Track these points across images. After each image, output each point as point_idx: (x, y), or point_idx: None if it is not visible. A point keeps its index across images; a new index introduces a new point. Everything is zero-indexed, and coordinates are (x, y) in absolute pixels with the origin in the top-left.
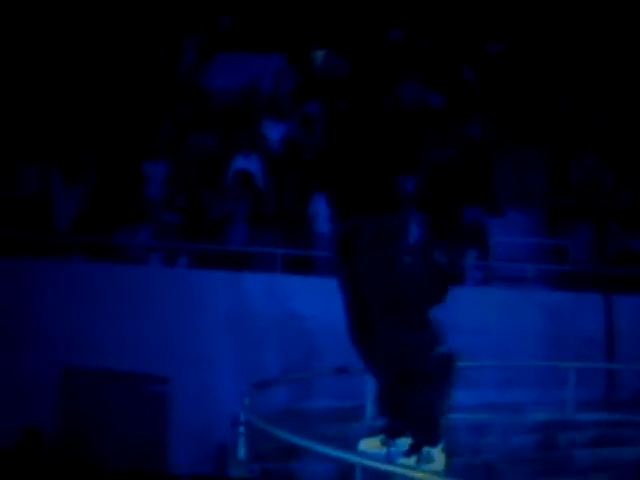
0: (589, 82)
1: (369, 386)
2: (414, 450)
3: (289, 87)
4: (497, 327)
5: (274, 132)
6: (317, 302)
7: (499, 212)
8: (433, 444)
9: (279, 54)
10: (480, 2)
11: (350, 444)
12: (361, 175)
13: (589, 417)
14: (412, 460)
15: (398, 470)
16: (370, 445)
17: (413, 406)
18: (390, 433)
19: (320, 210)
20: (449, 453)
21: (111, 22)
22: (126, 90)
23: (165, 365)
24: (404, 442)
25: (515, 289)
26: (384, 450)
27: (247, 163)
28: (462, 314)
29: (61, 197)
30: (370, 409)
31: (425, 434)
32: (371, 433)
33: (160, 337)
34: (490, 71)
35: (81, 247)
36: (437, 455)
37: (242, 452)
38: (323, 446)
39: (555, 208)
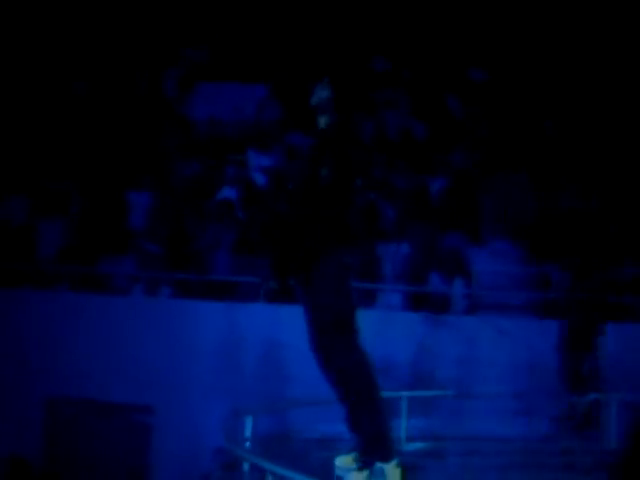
0: (575, 108)
1: None
2: (366, 465)
3: (272, 117)
4: (482, 355)
5: (258, 162)
6: (301, 331)
7: (482, 240)
8: (385, 460)
9: (262, 84)
10: (463, 30)
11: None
12: (322, 209)
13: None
14: (363, 475)
15: None
16: (344, 462)
17: (363, 422)
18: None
19: None
20: (405, 469)
21: (93, 52)
22: (110, 121)
23: (149, 395)
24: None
25: (500, 317)
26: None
27: (231, 193)
28: (446, 343)
29: (45, 228)
30: None
31: (377, 449)
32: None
33: (144, 367)
34: (474, 99)
35: (65, 277)
36: (390, 470)
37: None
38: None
39: (540, 236)
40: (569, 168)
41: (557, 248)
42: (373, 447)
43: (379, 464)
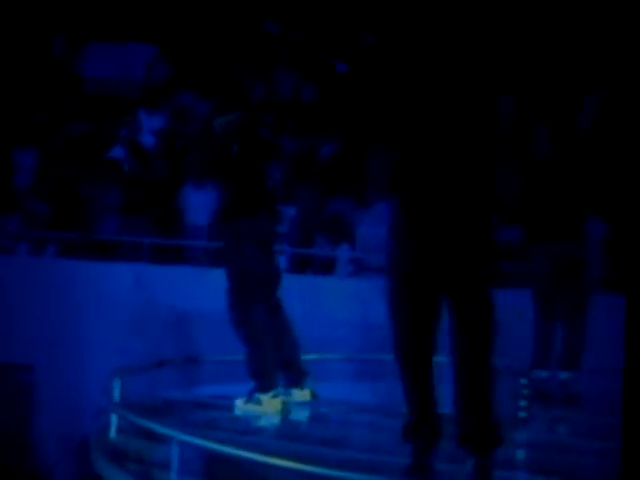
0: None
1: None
2: (249, 395)
3: (161, 77)
4: (366, 317)
5: (147, 122)
6: (183, 291)
7: (368, 204)
8: (264, 391)
9: (151, 44)
10: None
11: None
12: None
13: None
14: (242, 401)
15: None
16: (241, 403)
17: (251, 361)
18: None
19: (191, 201)
20: (285, 402)
21: None
22: None
23: (31, 354)
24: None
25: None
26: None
27: (120, 152)
28: (331, 306)
29: None
30: None
31: (258, 383)
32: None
33: (27, 326)
34: (363, 63)
35: None
36: (266, 400)
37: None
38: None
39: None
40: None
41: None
42: (256, 381)
43: (257, 394)
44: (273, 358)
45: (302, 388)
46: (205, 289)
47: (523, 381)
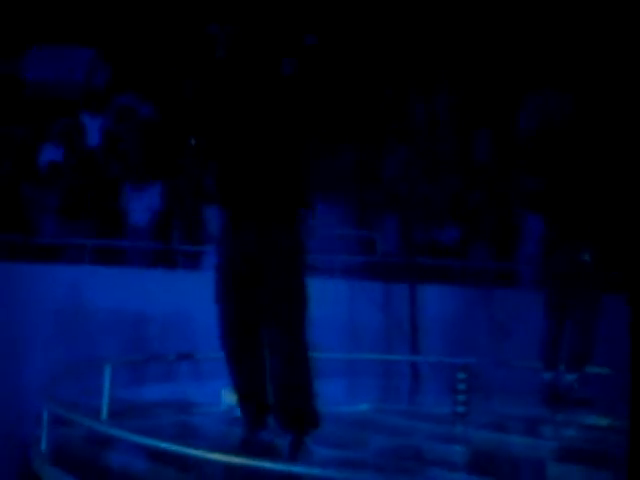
0: (403, 76)
1: None
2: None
3: (102, 79)
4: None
5: (89, 123)
6: (124, 293)
7: (308, 205)
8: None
9: (91, 46)
10: None
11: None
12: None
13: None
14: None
15: None
16: (226, 392)
17: None
18: None
19: (132, 201)
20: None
21: None
22: None
23: None
24: None
25: (325, 280)
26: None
27: (56, 154)
28: None
29: None
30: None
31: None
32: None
33: None
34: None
35: None
36: (225, 394)
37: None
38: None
39: (364, 200)
40: (395, 132)
41: (380, 212)
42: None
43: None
44: None
45: None
46: (147, 290)
47: (461, 376)
